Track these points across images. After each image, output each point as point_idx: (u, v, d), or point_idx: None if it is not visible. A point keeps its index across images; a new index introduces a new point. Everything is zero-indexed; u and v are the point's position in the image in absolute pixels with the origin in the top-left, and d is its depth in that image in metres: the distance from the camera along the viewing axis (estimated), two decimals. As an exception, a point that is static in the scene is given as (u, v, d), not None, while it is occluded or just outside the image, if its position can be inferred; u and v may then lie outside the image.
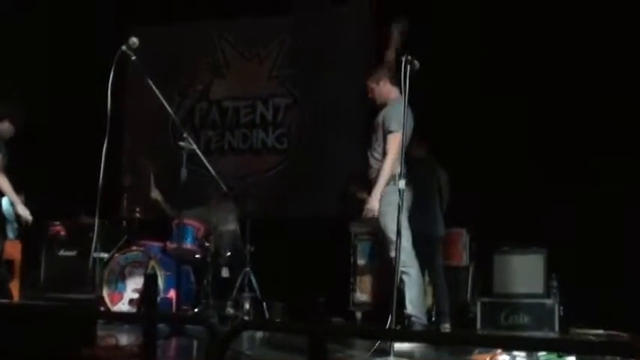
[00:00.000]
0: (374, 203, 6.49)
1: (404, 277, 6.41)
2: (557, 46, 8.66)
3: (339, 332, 4.57)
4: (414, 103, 5.93)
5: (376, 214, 6.50)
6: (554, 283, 8.01)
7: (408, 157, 6.20)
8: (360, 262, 8.78)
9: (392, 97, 6.71)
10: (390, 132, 6.49)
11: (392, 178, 6.40)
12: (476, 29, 8.89)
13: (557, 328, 7.85)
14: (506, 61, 8.77)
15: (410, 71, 5.77)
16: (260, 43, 10.71)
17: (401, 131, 6.18)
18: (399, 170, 6.19)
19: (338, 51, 10.20)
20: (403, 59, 5.80)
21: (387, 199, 6.47)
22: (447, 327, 7.71)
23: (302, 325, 3.76)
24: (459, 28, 8.94)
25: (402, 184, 5.69)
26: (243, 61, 10.81)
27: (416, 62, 5.81)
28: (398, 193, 6.01)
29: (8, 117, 7.53)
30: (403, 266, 6.26)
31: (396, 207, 6.02)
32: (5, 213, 7.27)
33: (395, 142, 6.41)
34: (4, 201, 7.25)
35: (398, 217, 5.70)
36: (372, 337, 4.91)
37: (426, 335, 4.99)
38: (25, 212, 7.26)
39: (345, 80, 10.09)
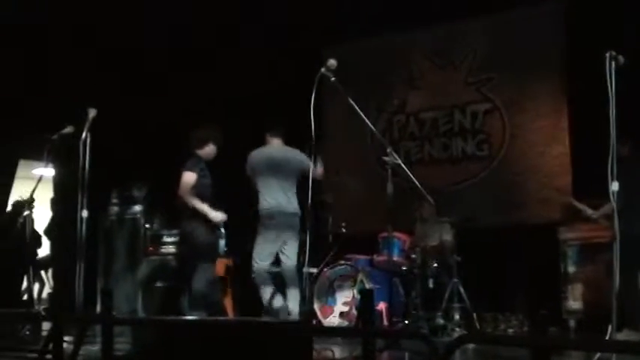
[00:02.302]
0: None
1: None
2: None
3: (567, 345, 4.43)
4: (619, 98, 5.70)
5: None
6: None
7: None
8: (571, 268, 8.52)
9: None
10: None
11: None
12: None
13: None
14: None
15: (615, 67, 5.57)
16: (453, 50, 10.63)
17: None
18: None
19: (533, 52, 9.96)
20: (607, 55, 5.60)
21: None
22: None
23: (528, 339, 3.68)
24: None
25: (615, 186, 5.49)
26: (437, 70, 10.78)
27: (620, 58, 5.60)
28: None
29: (211, 140, 7.88)
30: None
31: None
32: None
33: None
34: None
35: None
36: (599, 350, 4.73)
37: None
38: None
39: (541, 82, 9.90)
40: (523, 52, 9.99)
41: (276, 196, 7.80)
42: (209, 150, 7.87)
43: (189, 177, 7.55)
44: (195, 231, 7.60)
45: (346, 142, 10.80)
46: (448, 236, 8.38)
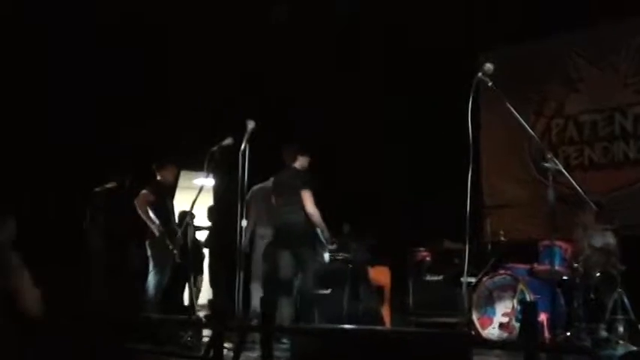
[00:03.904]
0: None
1: None
2: None
3: None
4: None
5: None
6: None
7: None
8: None
9: None
10: None
11: None
12: None
13: None
14: None
15: None
16: (611, 51, 10.29)
17: None
18: None
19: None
20: None
21: None
22: None
23: None
24: None
25: None
26: (596, 72, 10.45)
27: None
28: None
29: (299, 152, 8.20)
30: None
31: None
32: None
33: None
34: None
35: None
36: None
37: None
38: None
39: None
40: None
41: None
42: (303, 161, 8.15)
43: (311, 194, 7.83)
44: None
45: (503, 147, 10.64)
46: (612, 244, 8.05)
